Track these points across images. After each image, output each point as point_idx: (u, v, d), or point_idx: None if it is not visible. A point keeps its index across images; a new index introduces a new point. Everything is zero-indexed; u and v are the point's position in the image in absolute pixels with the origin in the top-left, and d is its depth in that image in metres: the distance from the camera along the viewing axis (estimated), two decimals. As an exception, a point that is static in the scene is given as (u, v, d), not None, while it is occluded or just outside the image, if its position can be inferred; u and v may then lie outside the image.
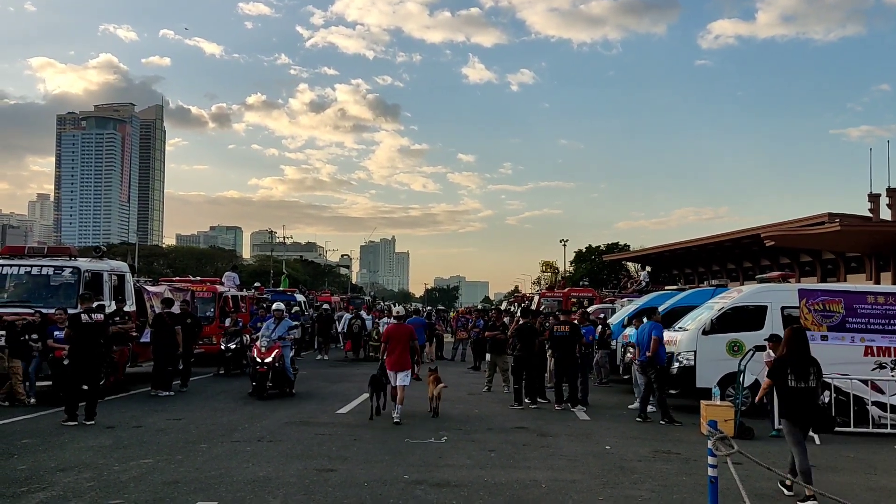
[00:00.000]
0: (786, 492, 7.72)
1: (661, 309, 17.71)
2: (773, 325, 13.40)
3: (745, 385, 12.04)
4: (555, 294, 33.74)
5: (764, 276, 16.47)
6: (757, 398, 9.49)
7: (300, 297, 33.93)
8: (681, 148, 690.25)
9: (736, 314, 13.80)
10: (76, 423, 10.70)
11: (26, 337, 12.99)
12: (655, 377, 12.63)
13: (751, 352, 11.88)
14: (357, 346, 25.61)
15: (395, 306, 30.53)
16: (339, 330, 27.01)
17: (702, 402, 11.61)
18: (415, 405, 12.73)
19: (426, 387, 13.10)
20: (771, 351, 11.75)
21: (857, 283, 26.10)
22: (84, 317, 11.31)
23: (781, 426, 8.13)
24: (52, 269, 14.73)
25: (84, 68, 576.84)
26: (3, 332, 12.78)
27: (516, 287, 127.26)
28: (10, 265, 14.97)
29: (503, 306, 51.63)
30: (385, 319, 24.96)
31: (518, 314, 18.10)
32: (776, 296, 13.84)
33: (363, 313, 27.76)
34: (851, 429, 11.38)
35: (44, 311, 13.51)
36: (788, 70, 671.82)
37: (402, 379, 12.11)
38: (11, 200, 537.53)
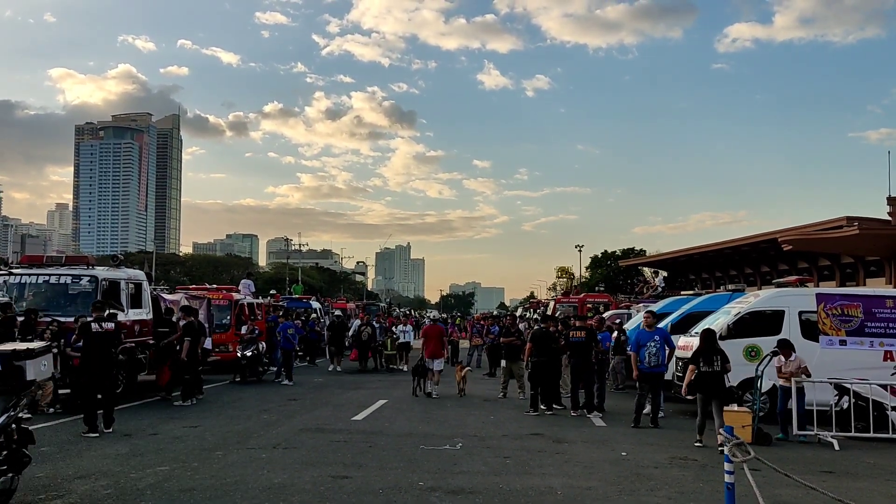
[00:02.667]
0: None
1: (677, 314, 17.73)
2: (791, 329, 13.30)
3: (763, 390, 11.93)
4: (571, 300, 33.66)
5: (781, 280, 16.34)
6: (684, 384, 11.39)
7: (316, 304, 34.10)
8: (698, 152, 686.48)
9: (753, 319, 13.72)
10: (97, 434, 10.69)
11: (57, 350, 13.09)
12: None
13: (768, 357, 11.78)
14: (364, 356, 23.81)
15: (430, 312, 32.45)
16: (350, 336, 24.84)
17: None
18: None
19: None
20: (783, 356, 11.65)
21: (876, 288, 25.80)
22: (95, 326, 11.36)
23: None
24: (71, 277, 14.89)
25: (103, 79, 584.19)
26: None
27: (532, 293, 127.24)
28: (30, 274, 15.15)
29: (519, 312, 51.61)
30: (401, 327, 24.91)
31: (536, 319, 18.09)
32: (794, 300, 13.74)
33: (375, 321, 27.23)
34: (871, 434, 11.24)
35: (62, 319, 13.64)
36: (806, 73, 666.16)
37: (437, 364, 16.64)
38: (31, 210, 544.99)
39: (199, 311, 19.15)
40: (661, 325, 17.19)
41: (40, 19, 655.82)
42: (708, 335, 11.34)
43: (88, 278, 14.82)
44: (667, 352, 13.01)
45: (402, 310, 57.71)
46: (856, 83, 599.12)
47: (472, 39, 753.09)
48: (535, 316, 35.34)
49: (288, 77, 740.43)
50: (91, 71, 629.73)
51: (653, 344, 12.88)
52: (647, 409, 13.02)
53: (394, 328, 25.43)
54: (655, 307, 20.55)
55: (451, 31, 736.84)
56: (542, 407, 14.05)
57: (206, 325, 19.04)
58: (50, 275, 15.01)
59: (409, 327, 25.66)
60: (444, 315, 52.27)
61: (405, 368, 22.91)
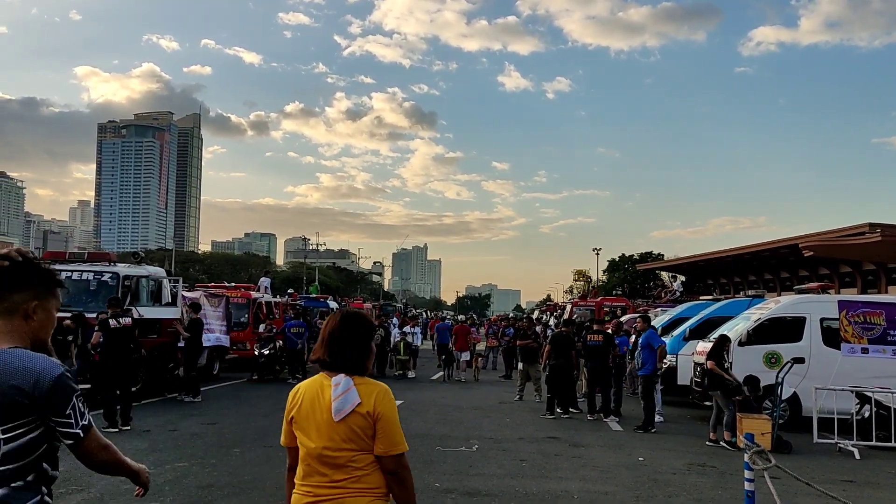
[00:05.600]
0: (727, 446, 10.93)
1: (695, 319, 17.59)
2: (812, 336, 13.16)
3: (784, 398, 11.82)
4: (587, 303, 33.50)
5: (803, 286, 16.17)
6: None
7: (333, 304, 34.19)
8: (719, 156, 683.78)
9: (773, 325, 13.58)
10: (117, 429, 10.81)
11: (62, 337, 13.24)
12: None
13: (789, 364, 11.66)
14: (380, 362, 21.15)
15: (461, 315, 36.31)
16: None
17: (738, 414, 11.41)
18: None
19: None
20: None
21: (899, 295, 25.43)
22: (112, 322, 11.47)
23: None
24: (93, 274, 15.03)
25: (127, 77, 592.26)
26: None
27: (548, 296, 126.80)
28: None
29: (535, 315, 51.46)
30: (408, 328, 23.55)
31: (547, 323, 18.04)
32: (815, 307, 13.58)
33: (394, 321, 26.68)
34: (893, 444, 11.08)
35: (85, 315, 13.76)
36: (831, 77, 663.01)
37: (464, 356, 21.20)
38: (54, 206, 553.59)
39: (219, 309, 19.33)
40: (678, 330, 17.15)
41: (66, 17, 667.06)
42: (721, 339, 12.04)
43: (110, 275, 14.96)
44: (656, 353, 13.03)
45: (416, 311, 57.55)
46: (881, 88, 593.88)
47: (494, 41, 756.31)
48: (550, 320, 35.23)
49: (309, 77, 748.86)
50: (115, 69, 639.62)
51: (639, 348, 13.25)
52: (659, 407, 13.47)
53: (405, 329, 24.24)
54: (674, 312, 20.45)
55: (473, 32, 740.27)
56: (558, 410, 14.01)
57: (226, 323, 19.25)
58: (73, 271, 15.17)
59: (416, 329, 24.18)
60: (466, 317, 52.61)
61: (412, 375, 21.69)
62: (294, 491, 2.98)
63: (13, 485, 2.24)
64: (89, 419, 2.37)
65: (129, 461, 2.53)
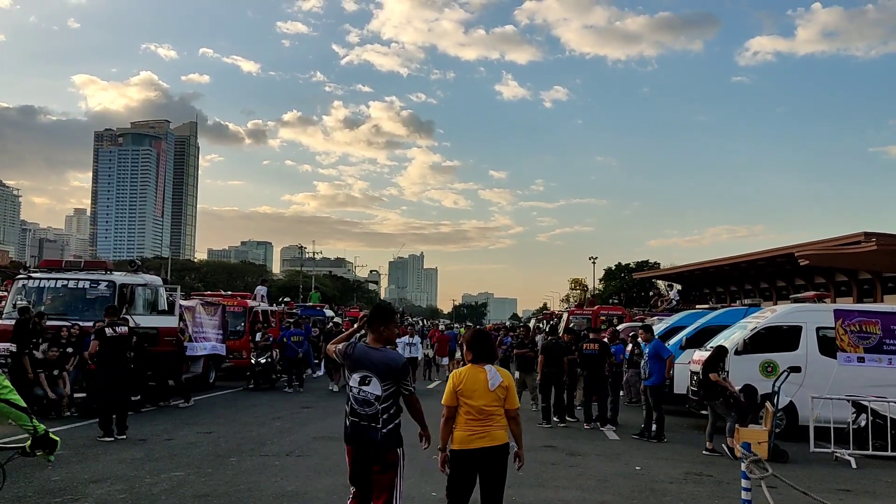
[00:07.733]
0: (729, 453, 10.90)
1: (692, 328, 17.63)
2: (808, 345, 13.18)
3: (780, 407, 11.82)
4: (584, 312, 33.50)
5: (799, 295, 16.22)
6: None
7: (329, 313, 34.16)
8: (716, 165, 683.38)
9: (770, 334, 13.61)
10: (112, 438, 10.77)
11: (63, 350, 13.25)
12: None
13: (785, 372, 11.67)
14: None
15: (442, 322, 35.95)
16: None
17: (735, 423, 11.42)
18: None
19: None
20: None
21: (894, 305, 25.49)
22: (109, 330, 11.45)
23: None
24: (89, 282, 15.00)
25: (125, 85, 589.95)
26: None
27: (545, 304, 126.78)
28: (49, 278, 15.29)
29: (531, 323, 51.42)
30: (406, 338, 22.53)
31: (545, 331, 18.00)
32: (811, 316, 13.62)
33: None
34: (889, 453, 11.09)
35: (81, 323, 13.75)
36: (828, 87, 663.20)
37: (443, 360, 24.93)
38: (51, 214, 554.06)
39: (215, 317, 19.33)
40: (675, 338, 17.16)
41: (64, 25, 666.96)
42: (719, 351, 12.06)
43: (106, 283, 14.93)
44: (664, 364, 12.88)
45: (413, 319, 57.22)
46: (877, 98, 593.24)
47: (492, 50, 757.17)
48: (545, 328, 35.19)
49: (307, 86, 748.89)
50: (113, 77, 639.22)
51: (645, 358, 13.11)
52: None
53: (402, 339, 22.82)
54: (670, 321, 20.48)
55: (471, 41, 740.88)
56: (554, 419, 14.00)
57: (222, 332, 19.26)
58: (69, 279, 15.14)
59: (416, 339, 22.05)
60: (460, 325, 52.54)
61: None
62: (457, 429, 5.25)
63: (390, 412, 4.97)
64: (414, 386, 5.23)
65: (425, 422, 5.29)
